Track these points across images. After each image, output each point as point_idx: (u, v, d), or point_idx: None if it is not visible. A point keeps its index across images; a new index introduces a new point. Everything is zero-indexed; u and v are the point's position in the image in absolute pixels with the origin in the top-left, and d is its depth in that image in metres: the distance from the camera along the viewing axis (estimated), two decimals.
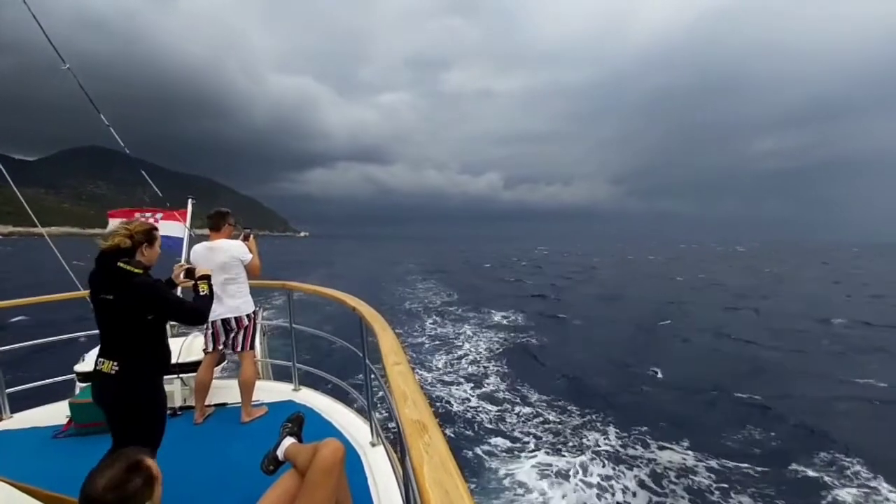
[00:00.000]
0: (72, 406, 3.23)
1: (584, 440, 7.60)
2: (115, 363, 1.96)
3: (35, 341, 3.83)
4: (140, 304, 1.96)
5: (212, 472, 2.24)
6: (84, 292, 4.15)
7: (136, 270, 1.97)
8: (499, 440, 7.59)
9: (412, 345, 13.86)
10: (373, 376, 2.77)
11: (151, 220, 4.76)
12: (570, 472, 6.66)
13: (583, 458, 7.03)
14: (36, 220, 4.33)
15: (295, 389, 3.97)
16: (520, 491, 6.18)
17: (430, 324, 17.10)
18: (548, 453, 7.16)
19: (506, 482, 6.37)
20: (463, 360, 12.25)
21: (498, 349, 13.40)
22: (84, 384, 3.78)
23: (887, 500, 6.19)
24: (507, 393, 9.86)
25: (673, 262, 60.65)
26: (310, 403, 3.63)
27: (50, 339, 3.93)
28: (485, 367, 11.67)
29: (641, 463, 7.00)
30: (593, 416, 8.57)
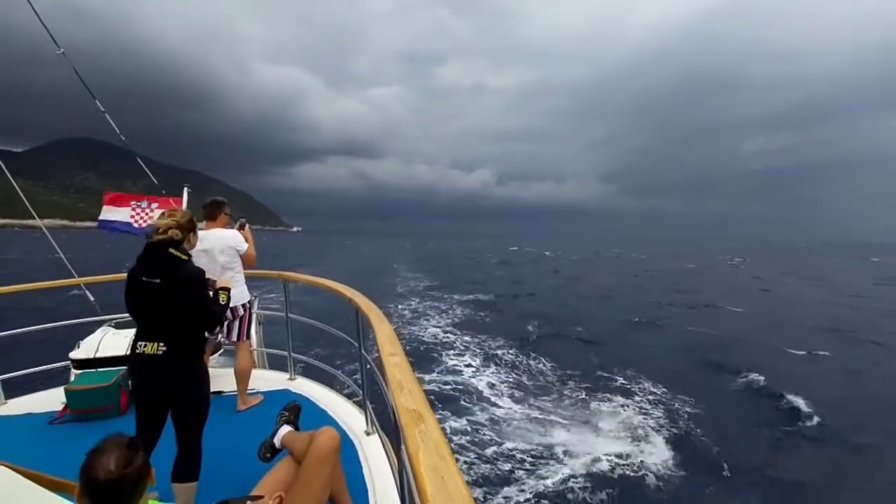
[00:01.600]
0: (67, 392, 3.24)
1: (497, 351, 13.69)
2: (161, 344, 2.02)
3: (30, 328, 3.83)
4: (184, 289, 2.03)
5: (207, 460, 2.27)
6: (78, 279, 4.14)
7: (185, 257, 2.07)
8: (451, 350, 13.69)
9: (400, 314, 19.22)
10: (368, 366, 2.80)
11: (148, 210, 4.73)
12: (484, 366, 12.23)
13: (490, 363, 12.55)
14: (34, 214, 4.31)
15: (291, 378, 4.00)
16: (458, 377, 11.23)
17: (414, 300, 23.46)
18: (473, 356, 13.19)
19: (451, 365, 11.99)
20: (437, 317, 18.86)
21: (462, 313, 20.02)
22: (79, 371, 3.79)
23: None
24: (458, 328, 16.82)
25: (623, 260, 67.84)
26: (305, 392, 3.67)
27: (44, 325, 3.92)
28: (452, 318, 18.64)
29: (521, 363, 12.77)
30: (499, 343, 14.85)
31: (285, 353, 4.05)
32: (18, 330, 3.71)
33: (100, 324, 4.34)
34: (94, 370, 3.67)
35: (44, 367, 3.83)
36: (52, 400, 3.48)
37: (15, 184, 4.11)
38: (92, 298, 4.14)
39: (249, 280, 3.64)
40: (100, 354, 3.79)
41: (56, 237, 4.69)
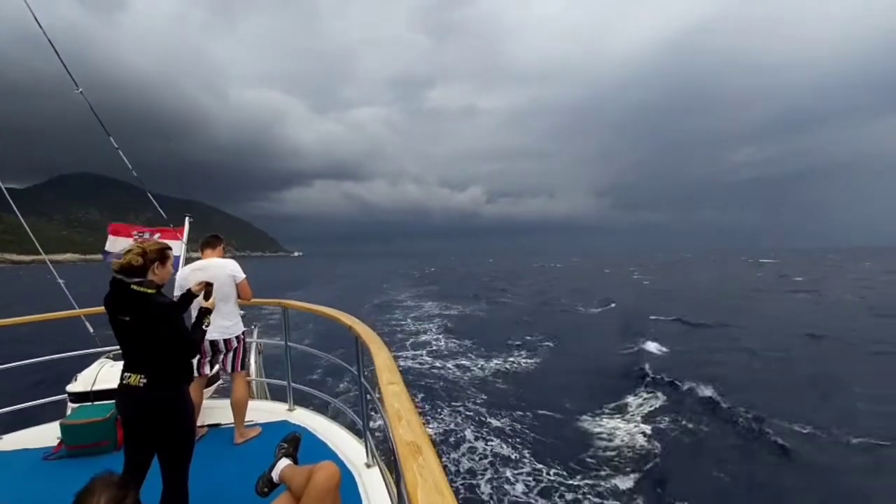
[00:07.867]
0: (63, 427, 3.18)
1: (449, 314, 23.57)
2: (143, 376, 2.01)
3: (28, 361, 3.78)
4: (154, 325, 2.02)
5: (203, 495, 2.21)
6: (78, 311, 4.13)
7: (150, 291, 2.03)
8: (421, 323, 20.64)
9: (395, 305, 27.23)
10: (368, 395, 2.75)
11: (151, 240, 4.76)
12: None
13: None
14: (40, 248, 4.34)
15: (290, 409, 3.92)
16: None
17: (405, 297, 33.09)
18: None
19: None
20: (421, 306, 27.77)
21: (434, 296, 30.98)
22: (76, 405, 3.73)
23: None
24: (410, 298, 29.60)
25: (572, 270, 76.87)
26: (305, 423, 3.59)
27: (42, 358, 3.88)
28: (434, 309, 26.11)
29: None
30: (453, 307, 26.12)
31: (284, 382, 3.98)
32: (16, 363, 3.67)
33: (98, 356, 4.30)
34: (90, 404, 3.62)
35: (40, 400, 3.77)
36: (48, 434, 3.41)
37: (24, 222, 4.16)
38: (91, 330, 4.11)
39: (251, 309, 3.61)
40: (97, 387, 3.74)
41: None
